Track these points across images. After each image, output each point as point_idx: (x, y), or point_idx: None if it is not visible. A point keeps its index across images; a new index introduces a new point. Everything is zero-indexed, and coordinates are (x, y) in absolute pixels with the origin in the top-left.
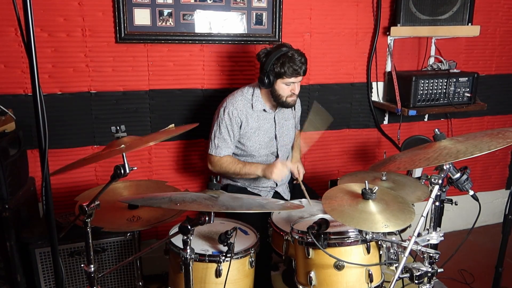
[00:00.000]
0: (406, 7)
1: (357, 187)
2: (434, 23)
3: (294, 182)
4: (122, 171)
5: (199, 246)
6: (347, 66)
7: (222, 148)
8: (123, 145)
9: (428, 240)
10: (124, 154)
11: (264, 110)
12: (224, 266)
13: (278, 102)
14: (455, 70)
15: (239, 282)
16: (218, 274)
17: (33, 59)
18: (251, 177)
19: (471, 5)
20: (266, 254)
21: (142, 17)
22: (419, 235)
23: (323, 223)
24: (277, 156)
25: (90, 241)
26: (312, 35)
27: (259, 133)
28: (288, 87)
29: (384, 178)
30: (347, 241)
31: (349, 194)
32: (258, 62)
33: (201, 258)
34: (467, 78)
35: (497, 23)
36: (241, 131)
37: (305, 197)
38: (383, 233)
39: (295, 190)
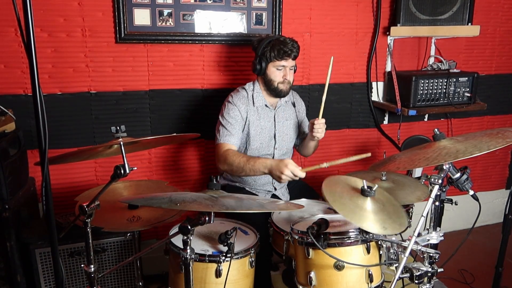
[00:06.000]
0: (406, 7)
1: (359, 182)
2: (434, 23)
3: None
4: (122, 171)
5: (199, 246)
6: (347, 66)
7: (231, 134)
8: (121, 139)
9: (428, 240)
10: (124, 154)
11: (266, 105)
12: (224, 266)
13: (270, 89)
14: (455, 70)
15: (239, 282)
16: (218, 274)
17: (33, 59)
18: (257, 175)
19: (471, 5)
20: (266, 254)
21: (142, 17)
22: (419, 235)
23: (323, 223)
24: (272, 158)
25: (90, 241)
26: (312, 35)
27: (261, 132)
28: (279, 71)
29: (384, 178)
30: (347, 241)
31: (350, 187)
32: (253, 52)
33: (201, 258)
34: (467, 78)
35: (497, 23)
36: (244, 128)
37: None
38: None
39: (294, 193)
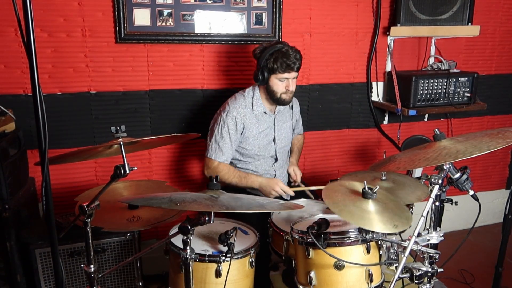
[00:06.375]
0: (406, 7)
1: (358, 186)
2: (434, 23)
3: (292, 184)
4: (122, 171)
5: (199, 246)
6: (347, 66)
7: (222, 152)
8: (120, 139)
9: (428, 240)
10: (124, 154)
11: (265, 112)
12: (224, 266)
13: (273, 99)
14: (455, 70)
15: (239, 282)
16: (218, 274)
17: (33, 59)
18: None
19: (471, 5)
20: (266, 254)
21: (142, 17)
22: (419, 235)
23: (323, 223)
24: (276, 159)
25: (90, 241)
26: (312, 35)
27: (258, 137)
28: (282, 83)
29: (384, 178)
30: (347, 241)
31: (349, 191)
32: (255, 59)
33: (201, 258)
34: (467, 78)
35: (497, 23)
36: (242, 135)
37: (308, 197)
38: (383, 233)
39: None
